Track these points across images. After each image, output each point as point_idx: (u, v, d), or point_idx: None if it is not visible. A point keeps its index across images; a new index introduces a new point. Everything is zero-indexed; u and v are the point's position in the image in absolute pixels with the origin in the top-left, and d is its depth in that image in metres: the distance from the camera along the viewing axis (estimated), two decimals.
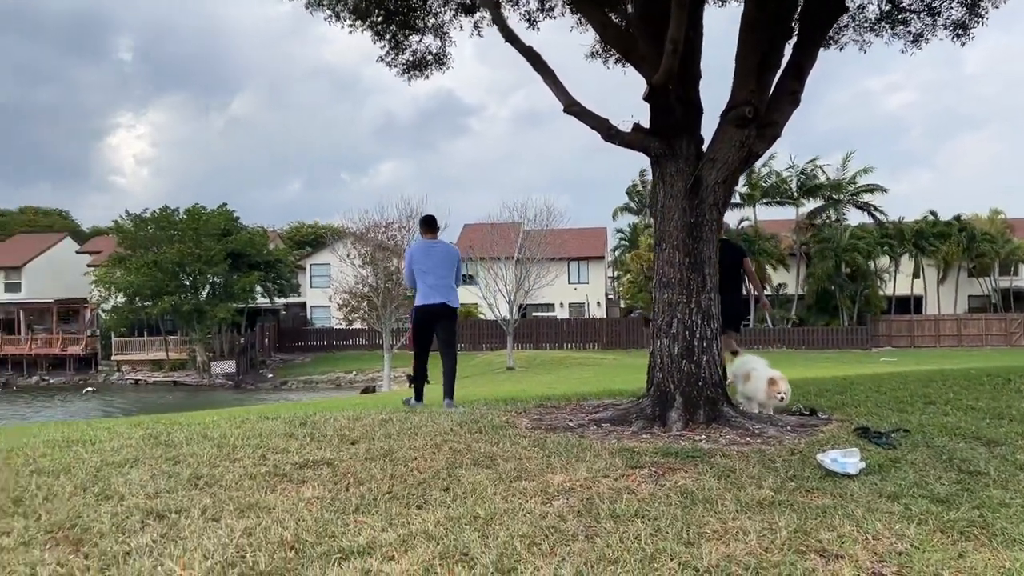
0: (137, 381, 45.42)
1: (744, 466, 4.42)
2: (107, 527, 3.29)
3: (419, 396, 8.17)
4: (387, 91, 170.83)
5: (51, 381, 46.63)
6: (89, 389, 42.40)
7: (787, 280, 49.03)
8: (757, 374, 6.37)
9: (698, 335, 5.78)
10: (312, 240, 64.31)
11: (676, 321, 5.80)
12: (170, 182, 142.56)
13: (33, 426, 9.29)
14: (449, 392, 7.99)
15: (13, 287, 53.93)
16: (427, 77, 9.70)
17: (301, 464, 4.57)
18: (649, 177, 53.68)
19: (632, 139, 5.98)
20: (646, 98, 5.82)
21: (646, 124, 6.07)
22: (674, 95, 5.74)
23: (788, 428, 5.58)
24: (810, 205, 48.81)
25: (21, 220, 79.81)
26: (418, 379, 8.16)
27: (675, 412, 5.64)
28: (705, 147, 6.02)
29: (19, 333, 50.74)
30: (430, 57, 9.42)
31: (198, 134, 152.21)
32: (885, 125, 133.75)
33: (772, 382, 6.18)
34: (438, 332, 8.06)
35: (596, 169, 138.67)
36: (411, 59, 9.36)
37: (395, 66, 9.38)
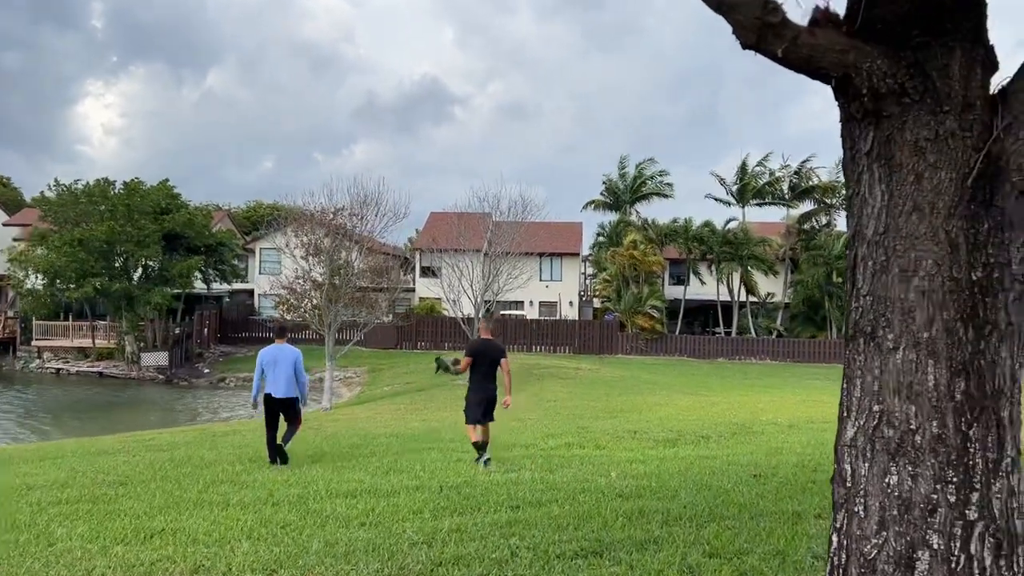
0: (59, 371, 40.76)
1: None
2: None
3: (273, 459, 9.90)
4: (370, 72, 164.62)
5: None
6: None
7: (774, 288, 45.77)
8: None
9: None
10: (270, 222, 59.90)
11: (928, 564, 2.08)
12: (140, 155, 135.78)
13: None
14: (286, 441, 10.15)
15: None
16: None
17: None
18: (626, 170, 50.44)
19: (819, 46, 2.23)
20: None
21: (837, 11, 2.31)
22: None
23: None
24: (802, 208, 45.55)
25: None
26: (272, 449, 9.99)
27: None
28: (998, 79, 2.28)
29: None
30: None
31: (170, 107, 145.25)
32: None
33: None
34: (284, 413, 10.23)
35: (573, 162, 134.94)
36: None
37: None
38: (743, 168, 44.85)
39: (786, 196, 45.12)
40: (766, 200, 45.36)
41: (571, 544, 4.85)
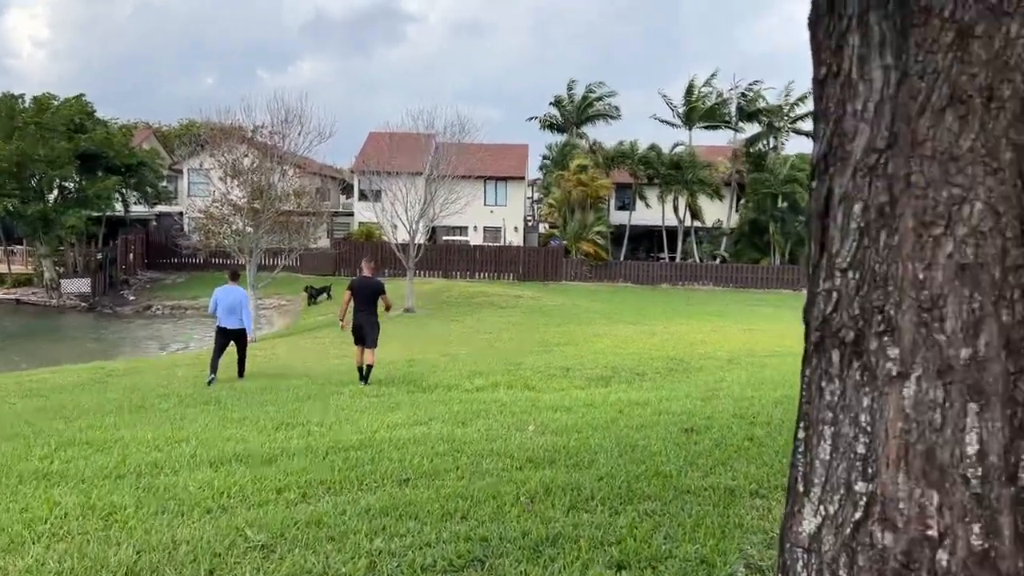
0: None
1: None
2: None
3: (214, 370, 12.17)
4: None
5: None
6: None
7: (720, 213, 45.13)
8: None
9: None
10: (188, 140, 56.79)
11: None
12: (72, 68, 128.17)
13: None
14: (240, 374, 12.67)
15: None
16: None
17: None
18: (575, 91, 48.46)
19: None
20: None
21: None
22: None
23: None
24: (749, 131, 44.65)
25: None
26: (213, 369, 12.24)
27: None
28: None
29: None
30: None
31: (103, 16, 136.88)
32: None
33: None
34: (235, 340, 12.65)
35: (527, 84, 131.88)
36: None
37: None
38: (690, 89, 43.61)
39: (733, 119, 44.13)
40: (714, 122, 44.30)
41: (449, 546, 3.86)
